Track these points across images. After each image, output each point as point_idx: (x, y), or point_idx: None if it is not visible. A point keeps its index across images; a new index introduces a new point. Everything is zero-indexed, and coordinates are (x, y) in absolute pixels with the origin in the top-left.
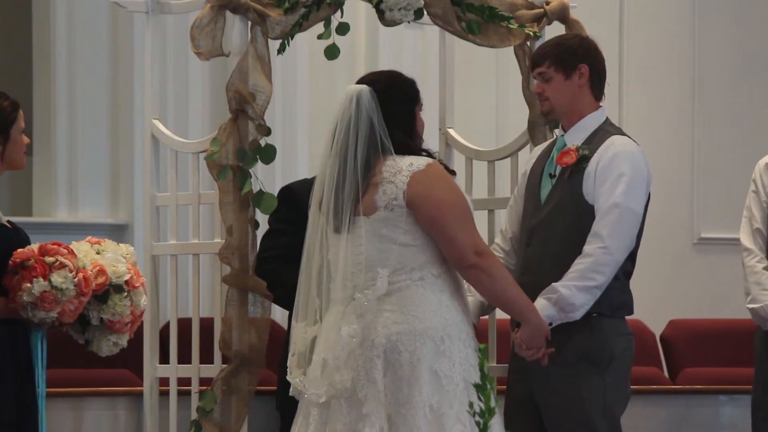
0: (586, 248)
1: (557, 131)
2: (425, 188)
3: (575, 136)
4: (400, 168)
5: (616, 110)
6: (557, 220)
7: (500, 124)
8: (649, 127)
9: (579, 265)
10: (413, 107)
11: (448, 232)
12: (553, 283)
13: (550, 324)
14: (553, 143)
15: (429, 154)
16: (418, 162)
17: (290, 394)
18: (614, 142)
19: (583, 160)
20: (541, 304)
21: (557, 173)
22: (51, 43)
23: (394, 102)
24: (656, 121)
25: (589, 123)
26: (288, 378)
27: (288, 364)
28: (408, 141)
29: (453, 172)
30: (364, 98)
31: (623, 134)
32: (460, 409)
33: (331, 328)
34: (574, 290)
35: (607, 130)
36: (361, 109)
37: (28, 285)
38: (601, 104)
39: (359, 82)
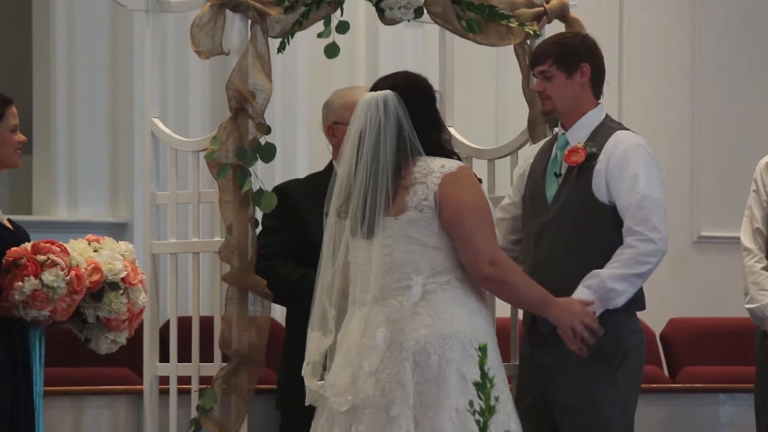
0: (628, 240)
1: (557, 129)
2: (453, 190)
3: (577, 134)
4: (432, 169)
5: (616, 108)
6: (567, 219)
7: (500, 123)
8: (649, 126)
9: (622, 255)
10: (435, 104)
11: (466, 234)
12: (595, 270)
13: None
14: (550, 142)
15: (459, 158)
16: (450, 164)
17: (307, 402)
18: (620, 137)
19: (591, 158)
20: (581, 292)
21: (563, 172)
22: (51, 41)
23: (420, 102)
24: (656, 119)
25: (591, 120)
26: (307, 384)
27: (303, 373)
28: (441, 140)
29: (479, 180)
30: (390, 103)
31: (626, 128)
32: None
33: (361, 334)
34: (617, 277)
35: (609, 126)
36: (389, 114)
37: (20, 284)
38: (600, 101)
39: (375, 87)
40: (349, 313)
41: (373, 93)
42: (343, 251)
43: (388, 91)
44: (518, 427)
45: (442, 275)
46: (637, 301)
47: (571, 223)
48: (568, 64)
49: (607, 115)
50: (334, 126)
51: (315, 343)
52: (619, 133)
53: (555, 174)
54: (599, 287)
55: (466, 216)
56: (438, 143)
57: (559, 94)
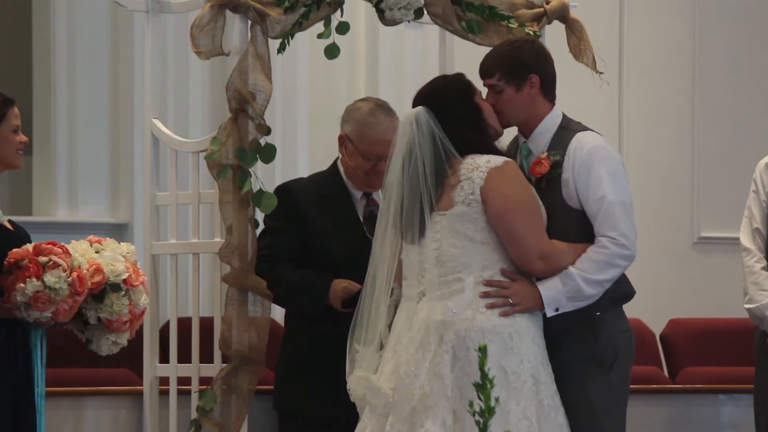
0: (602, 241)
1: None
2: (499, 184)
3: (538, 142)
4: (478, 165)
5: (617, 109)
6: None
7: None
8: (650, 127)
9: (597, 256)
10: (472, 99)
11: (513, 229)
12: (571, 270)
13: (557, 310)
14: (515, 146)
15: (504, 154)
16: (496, 160)
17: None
18: (581, 140)
19: (556, 166)
20: (555, 286)
21: (534, 182)
22: (51, 42)
23: (453, 106)
24: (656, 120)
25: (548, 126)
26: (352, 388)
27: (351, 379)
28: (481, 137)
29: (529, 179)
30: (422, 119)
31: (585, 129)
32: (527, 406)
33: (407, 328)
34: (593, 283)
35: (568, 128)
36: (422, 129)
37: (22, 285)
38: (554, 103)
39: (414, 100)
40: (399, 308)
41: (407, 113)
42: (390, 267)
43: (420, 108)
44: (565, 422)
45: (488, 270)
46: (624, 294)
47: (553, 231)
48: (516, 77)
49: (564, 116)
50: (346, 140)
51: (370, 359)
52: (578, 136)
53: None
54: (575, 289)
55: (513, 209)
56: (477, 141)
57: (510, 109)
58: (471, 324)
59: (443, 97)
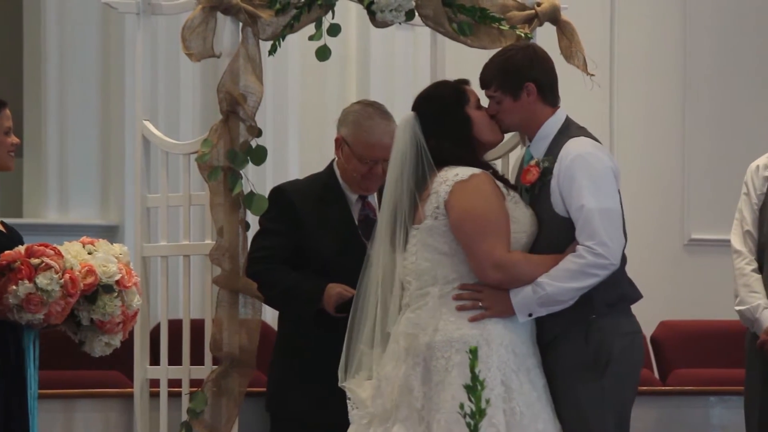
0: (580, 249)
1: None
2: (459, 198)
3: (538, 147)
4: (447, 178)
5: (607, 111)
6: (540, 236)
7: None
8: (640, 129)
9: (571, 264)
10: (461, 109)
11: (467, 239)
12: (542, 278)
13: (530, 315)
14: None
15: (485, 166)
16: (464, 172)
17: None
18: (569, 147)
19: (546, 173)
20: (526, 292)
21: (529, 189)
22: (42, 43)
23: (438, 115)
24: (647, 122)
25: (549, 130)
26: (355, 396)
27: (353, 387)
28: (457, 149)
29: (513, 187)
30: (408, 125)
31: (580, 134)
32: (494, 413)
33: (393, 340)
34: (565, 291)
35: (565, 134)
36: (408, 136)
37: (14, 287)
38: (558, 106)
39: (413, 104)
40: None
41: (402, 118)
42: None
43: (411, 114)
44: (547, 427)
45: (456, 281)
46: (622, 297)
47: (542, 238)
48: (512, 87)
49: (566, 120)
50: (343, 143)
51: (377, 359)
52: (568, 144)
53: (525, 190)
54: (545, 297)
55: (467, 221)
56: (453, 153)
57: (510, 117)
58: (439, 334)
59: (430, 104)
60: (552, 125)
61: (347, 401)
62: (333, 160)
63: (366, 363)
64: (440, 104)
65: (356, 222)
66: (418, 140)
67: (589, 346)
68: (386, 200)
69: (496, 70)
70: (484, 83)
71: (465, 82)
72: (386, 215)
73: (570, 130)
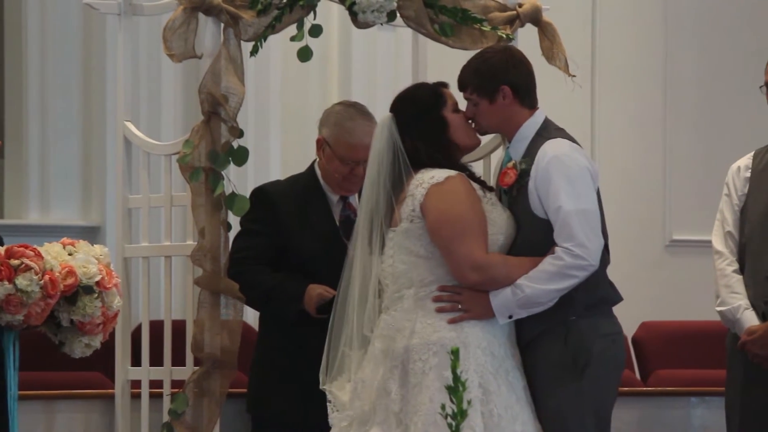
0: (558, 251)
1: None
2: (435, 200)
3: (517, 149)
4: (422, 181)
5: (588, 112)
6: (519, 238)
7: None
8: (621, 130)
9: (550, 267)
10: (437, 112)
11: (445, 242)
12: (521, 280)
13: (510, 317)
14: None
15: (461, 168)
16: (440, 175)
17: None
18: (545, 149)
19: (524, 175)
20: (505, 294)
21: (507, 191)
22: (23, 44)
23: (411, 116)
24: (628, 123)
25: (527, 132)
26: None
27: (334, 390)
28: (433, 151)
29: (490, 188)
30: (386, 126)
31: (558, 136)
32: (472, 416)
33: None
34: (543, 293)
35: (543, 135)
36: (384, 136)
37: None
38: (536, 108)
39: (391, 105)
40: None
41: (381, 118)
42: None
43: (388, 114)
44: (527, 429)
45: (434, 284)
46: (602, 299)
47: (520, 240)
48: (487, 90)
49: (545, 121)
50: (324, 144)
51: (356, 361)
52: (545, 145)
53: (504, 191)
54: (525, 299)
55: (445, 224)
56: (428, 154)
57: (487, 119)
58: (416, 337)
59: (407, 106)
60: (530, 127)
61: (327, 404)
62: (314, 161)
63: (347, 365)
64: (417, 106)
65: (337, 223)
66: (394, 141)
67: (568, 348)
68: (364, 201)
69: (472, 73)
70: (461, 86)
71: (443, 84)
72: (364, 217)
73: (548, 131)
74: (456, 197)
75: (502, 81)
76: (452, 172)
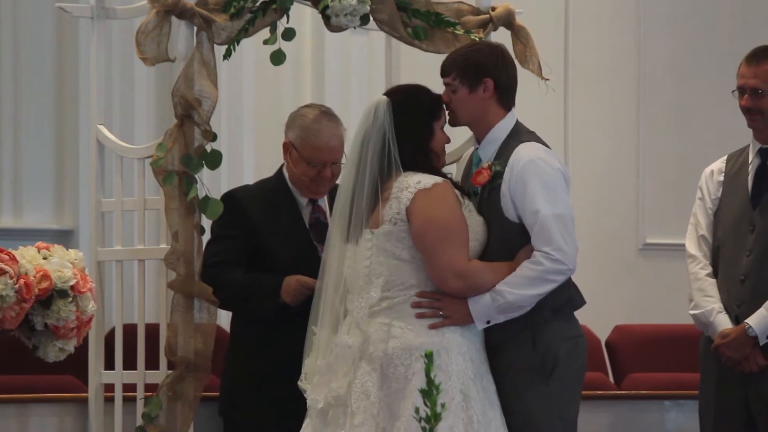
0: (537, 256)
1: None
2: (421, 205)
3: (487, 149)
4: (408, 185)
5: (562, 115)
6: (490, 240)
7: (446, 130)
8: (594, 132)
9: (529, 271)
10: (430, 121)
11: (429, 248)
12: (500, 286)
13: (488, 322)
14: (471, 157)
15: (442, 175)
16: (426, 180)
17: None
18: (519, 153)
19: (497, 176)
20: (485, 300)
21: (479, 191)
22: None
23: (407, 112)
24: (601, 126)
25: (498, 133)
26: (301, 383)
27: (307, 370)
28: (415, 153)
29: (468, 195)
30: (380, 109)
31: (530, 139)
32: (454, 423)
33: (337, 337)
34: (524, 298)
35: (515, 138)
36: (377, 119)
37: None
38: (510, 110)
39: (385, 92)
40: (346, 319)
41: (372, 100)
42: (342, 254)
43: (383, 97)
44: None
45: (414, 288)
46: (567, 301)
47: (491, 241)
48: (470, 78)
49: (516, 124)
50: (291, 147)
51: (326, 341)
52: (519, 148)
53: (474, 192)
54: (504, 304)
55: (430, 230)
56: (413, 158)
57: (461, 108)
58: (396, 341)
59: (407, 102)
60: (502, 128)
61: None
62: (282, 165)
63: (315, 343)
64: (416, 106)
65: (307, 225)
66: (385, 125)
67: (536, 350)
68: (344, 185)
69: (458, 60)
70: (445, 70)
71: (441, 98)
72: (343, 201)
73: (520, 134)
74: (443, 204)
75: (488, 74)
76: (438, 179)
